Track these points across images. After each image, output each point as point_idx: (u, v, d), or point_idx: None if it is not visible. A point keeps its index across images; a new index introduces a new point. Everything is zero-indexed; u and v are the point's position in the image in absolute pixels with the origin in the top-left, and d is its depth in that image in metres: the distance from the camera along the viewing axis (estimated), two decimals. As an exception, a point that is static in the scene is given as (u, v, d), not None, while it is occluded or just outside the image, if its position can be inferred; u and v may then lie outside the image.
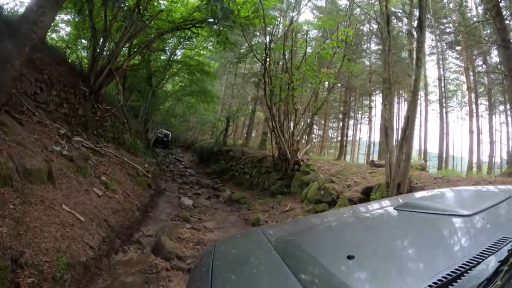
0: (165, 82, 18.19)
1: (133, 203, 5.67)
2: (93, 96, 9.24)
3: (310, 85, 9.63)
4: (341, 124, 31.33)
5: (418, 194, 2.10)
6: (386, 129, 5.01)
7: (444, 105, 22.63)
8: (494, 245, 0.85)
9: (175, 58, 17.06)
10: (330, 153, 28.90)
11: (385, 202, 1.91)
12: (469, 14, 20.62)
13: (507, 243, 0.85)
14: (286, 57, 8.57)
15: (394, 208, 1.50)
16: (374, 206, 1.98)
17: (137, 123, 12.67)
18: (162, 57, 17.13)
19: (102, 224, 3.99)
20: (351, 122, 26.58)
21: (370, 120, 23.00)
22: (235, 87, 22.02)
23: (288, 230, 1.53)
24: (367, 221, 1.54)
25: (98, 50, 9.45)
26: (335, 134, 35.43)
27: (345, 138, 17.50)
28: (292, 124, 9.17)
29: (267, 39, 8.75)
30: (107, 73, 9.27)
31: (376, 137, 25.21)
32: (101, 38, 9.17)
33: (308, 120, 9.12)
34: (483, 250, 0.82)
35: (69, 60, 10.19)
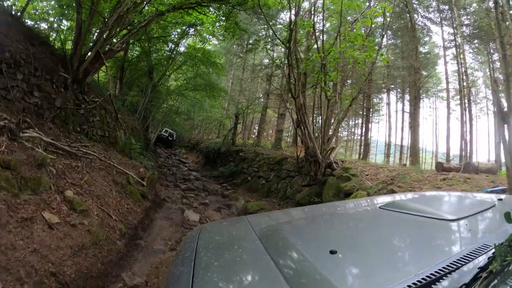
0: (168, 76, 16.52)
1: (115, 227, 3.92)
2: (76, 85, 7.55)
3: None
4: (355, 121, 29.48)
5: (404, 195, 2.13)
6: (504, 119, 3.22)
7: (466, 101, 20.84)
8: (475, 251, 0.85)
9: (178, 49, 15.37)
10: (340, 153, 26.96)
11: (370, 201, 1.95)
12: (483, 5, 18.92)
13: (487, 251, 0.84)
14: (317, 33, 6.77)
15: (379, 207, 1.48)
16: (359, 204, 1.96)
17: (134, 119, 10.96)
18: (166, 50, 15.46)
19: (45, 283, 2.24)
20: (360, 120, 24.78)
21: (389, 118, 21.09)
22: (244, 82, 20.24)
23: (273, 220, 1.48)
24: (352, 218, 1.56)
25: (83, 29, 7.70)
26: (344, 133, 33.35)
27: (369, 136, 15.63)
28: (320, 118, 7.34)
29: (293, 12, 6.95)
30: (93, 57, 7.56)
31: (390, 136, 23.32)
32: (88, 16, 7.46)
33: (341, 113, 7.28)
34: (463, 256, 0.82)
35: (52, 44, 8.53)
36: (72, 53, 7.66)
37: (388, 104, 22.74)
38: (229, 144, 14.80)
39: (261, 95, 17.24)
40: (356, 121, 28.07)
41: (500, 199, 1.59)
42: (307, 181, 7.41)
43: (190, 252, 1.04)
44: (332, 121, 8.17)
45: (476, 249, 0.87)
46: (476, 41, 21.16)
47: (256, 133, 24.43)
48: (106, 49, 7.79)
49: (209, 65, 13.23)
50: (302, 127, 7.10)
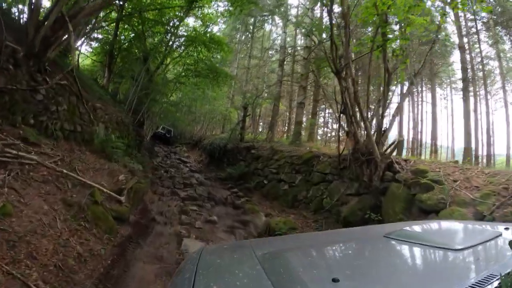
0: (166, 65, 14.42)
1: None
2: (33, 61, 5.55)
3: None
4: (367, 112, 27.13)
5: (408, 224, 1.96)
6: None
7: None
8: (481, 282, 0.82)
9: (177, 32, 13.18)
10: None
11: (375, 229, 2.00)
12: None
13: (494, 281, 0.82)
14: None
15: (384, 236, 1.42)
16: (363, 232, 1.95)
17: (121, 111, 8.86)
18: (162, 34, 13.31)
19: None
20: (369, 114, 22.37)
21: (414, 109, 18.76)
22: (251, 70, 18.06)
23: (276, 246, 1.41)
24: (355, 246, 1.53)
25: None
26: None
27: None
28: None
29: None
30: (54, 21, 5.51)
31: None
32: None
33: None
34: (469, 286, 0.80)
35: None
36: (28, 17, 5.63)
37: (412, 93, 20.50)
38: (237, 139, 12.67)
39: (269, 85, 15.06)
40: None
41: (506, 228, 1.49)
42: (355, 189, 5.30)
43: (189, 273, 1.00)
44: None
45: (483, 279, 0.83)
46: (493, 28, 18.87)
47: (261, 127, 22.28)
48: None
49: (214, 44, 11.05)
50: (349, 114, 4.96)
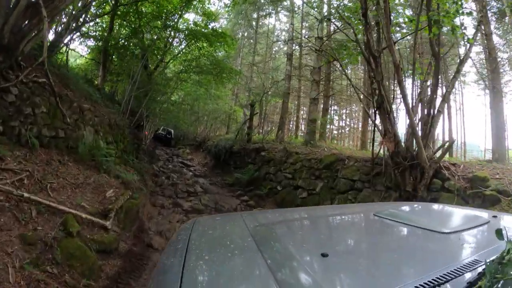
0: (166, 63, 13.57)
1: None
2: (3, 55, 4.72)
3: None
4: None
5: (399, 204, 2.04)
6: None
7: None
8: (466, 266, 0.83)
9: (178, 26, 12.28)
10: (348, 146, 23.38)
11: (366, 207, 1.96)
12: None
13: (478, 266, 0.82)
14: None
15: (374, 214, 1.42)
16: (355, 210, 1.94)
17: (115, 112, 7.95)
18: (160, 29, 12.41)
19: None
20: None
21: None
22: (255, 66, 17.09)
23: (268, 219, 1.45)
24: (346, 222, 1.53)
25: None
26: (354, 121, 29.08)
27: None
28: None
29: None
30: (26, 7, 4.68)
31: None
32: None
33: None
34: (454, 269, 0.80)
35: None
36: (-4, 4, 4.72)
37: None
38: (244, 140, 11.74)
39: (276, 80, 14.12)
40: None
41: (494, 216, 1.48)
42: (394, 199, 4.36)
43: (182, 244, 1.00)
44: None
45: (467, 263, 0.84)
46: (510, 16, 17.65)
47: (266, 127, 21.22)
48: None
49: (217, 37, 10.13)
50: (387, 109, 4.02)
